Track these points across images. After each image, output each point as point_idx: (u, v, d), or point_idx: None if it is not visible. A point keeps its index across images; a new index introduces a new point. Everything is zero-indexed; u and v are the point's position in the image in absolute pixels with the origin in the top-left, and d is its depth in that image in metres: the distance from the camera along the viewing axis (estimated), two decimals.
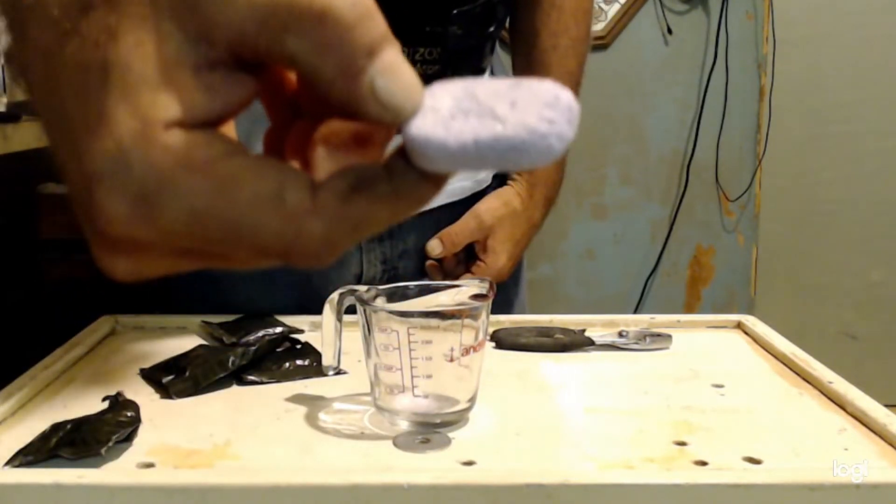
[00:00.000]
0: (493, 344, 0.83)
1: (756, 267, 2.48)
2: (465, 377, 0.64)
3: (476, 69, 0.99)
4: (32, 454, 0.58)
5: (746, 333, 0.87)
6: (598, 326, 0.87)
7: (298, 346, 0.80)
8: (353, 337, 0.70)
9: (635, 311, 2.41)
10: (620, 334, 0.83)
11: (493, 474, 0.55)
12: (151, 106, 0.30)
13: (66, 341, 0.81)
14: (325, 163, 0.34)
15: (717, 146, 2.37)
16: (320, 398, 0.70)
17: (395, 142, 0.34)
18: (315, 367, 0.75)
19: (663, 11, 2.33)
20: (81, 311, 0.92)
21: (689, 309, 2.46)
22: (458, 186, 0.97)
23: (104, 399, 0.67)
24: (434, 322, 0.63)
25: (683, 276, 2.45)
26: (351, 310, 0.67)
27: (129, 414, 0.63)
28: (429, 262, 0.97)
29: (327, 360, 0.69)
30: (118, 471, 0.57)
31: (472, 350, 0.63)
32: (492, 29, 0.98)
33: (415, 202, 0.33)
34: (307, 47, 0.30)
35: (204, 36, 0.30)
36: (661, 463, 0.58)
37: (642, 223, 2.43)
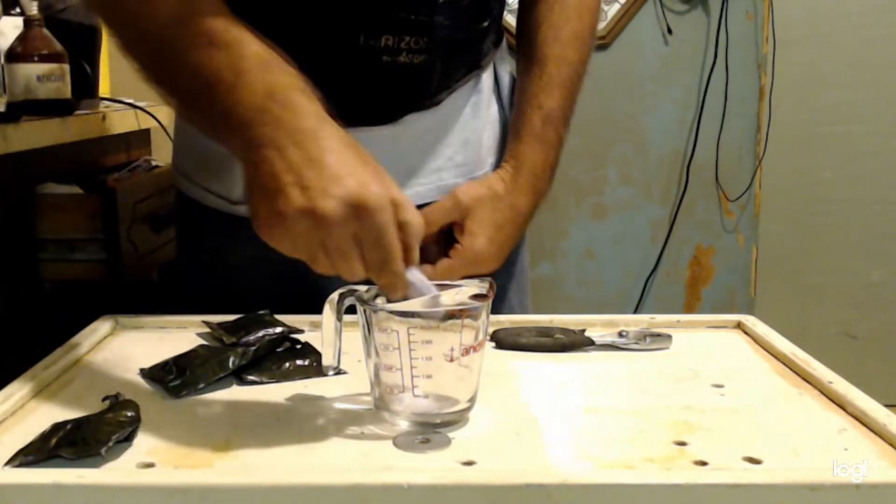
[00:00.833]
0: (493, 344, 0.83)
1: (756, 267, 2.48)
2: (465, 377, 0.64)
3: (472, 65, 0.98)
4: (33, 454, 0.58)
5: (746, 333, 0.87)
6: (598, 326, 0.87)
7: (298, 346, 0.80)
8: (353, 337, 0.70)
9: (635, 311, 2.41)
10: (620, 334, 0.83)
11: (493, 474, 0.55)
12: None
13: (66, 341, 0.81)
14: None
15: (717, 146, 2.37)
16: (320, 398, 0.70)
17: None
18: (315, 367, 0.75)
19: (663, 11, 2.33)
20: (81, 311, 0.92)
21: (689, 309, 2.45)
22: (451, 183, 0.97)
23: (104, 399, 0.67)
24: (434, 322, 0.63)
25: (683, 276, 2.45)
26: (351, 310, 0.67)
27: (129, 414, 0.63)
28: None
29: (327, 360, 0.69)
30: (118, 471, 0.57)
31: (472, 350, 0.63)
32: (486, 24, 0.97)
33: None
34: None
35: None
36: (661, 463, 0.58)
37: (642, 223, 2.42)
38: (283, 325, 0.85)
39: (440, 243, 0.94)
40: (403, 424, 0.64)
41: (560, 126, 0.97)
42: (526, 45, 1.00)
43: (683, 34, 2.35)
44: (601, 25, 2.31)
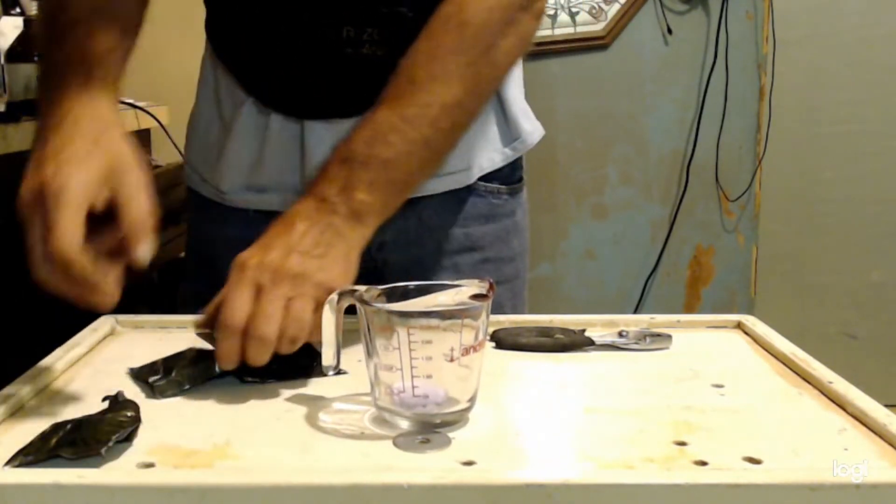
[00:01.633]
0: (494, 344, 0.83)
1: (756, 267, 2.48)
2: (466, 377, 0.64)
3: None
4: (33, 454, 0.58)
5: (746, 333, 0.87)
6: (598, 326, 0.87)
7: (298, 346, 0.79)
8: (353, 337, 0.70)
9: (635, 312, 2.41)
10: (620, 334, 0.83)
11: (493, 474, 0.55)
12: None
13: (66, 341, 0.81)
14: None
15: (717, 146, 2.37)
16: (320, 398, 0.70)
17: None
18: (315, 367, 0.75)
19: (663, 11, 2.33)
20: (81, 311, 0.92)
21: (689, 309, 2.45)
22: (435, 179, 0.96)
23: (104, 399, 0.67)
24: (434, 322, 0.63)
25: (683, 276, 2.45)
26: (351, 310, 0.67)
27: (129, 414, 0.63)
28: None
29: (327, 360, 0.69)
30: (118, 471, 0.57)
31: (472, 350, 0.63)
32: None
33: None
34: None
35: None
36: (661, 463, 0.58)
37: (642, 223, 2.42)
38: None
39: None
40: (403, 424, 0.64)
41: (392, 131, 0.81)
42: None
43: (683, 34, 2.35)
44: (601, 25, 2.31)
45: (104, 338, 0.85)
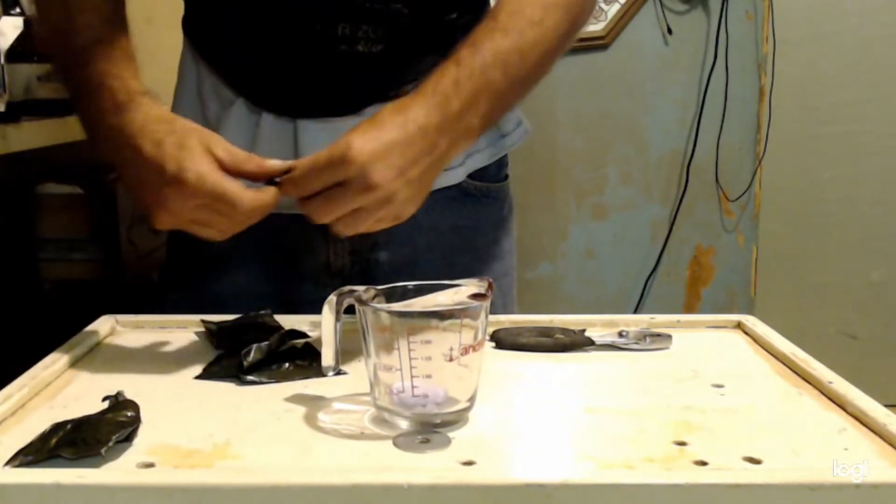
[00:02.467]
0: (493, 344, 0.83)
1: (756, 267, 2.47)
2: (465, 377, 0.64)
3: (439, 58, 0.97)
4: (33, 454, 0.58)
5: (746, 333, 0.87)
6: (598, 326, 0.87)
7: (298, 347, 0.80)
8: (352, 337, 0.70)
9: (635, 311, 2.41)
10: (620, 334, 0.83)
11: (493, 474, 0.55)
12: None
13: (65, 341, 0.81)
14: None
15: (717, 146, 2.37)
16: (320, 398, 0.70)
17: None
18: (315, 367, 0.75)
19: (663, 11, 2.33)
20: (81, 311, 0.92)
21: (689, 309, 2.45)
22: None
23: (104, 399, 0.67)
24: (433, 322, 0.63)
25: (683, 276, 2.45)
26: (350, 310, 0.67)
27: (129, 414, 0.63)
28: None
29: (327, 360, 0.69)
30: (118, 471, 0.57)
31: (471, 350, 0.63)
32: (454, 15, 0.95)
33: None
34: None
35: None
36: (661, 463, 0.58)
37: (642, 223, 2.42)
38: (279, 326, 0.84)
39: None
40: (403, 424, 0.64)
41: (490, 59, 0.82)
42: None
43: (683, 34, 2.35)
44: (601, 25, 2.31)
45: (104, 338, 0.85)
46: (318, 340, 0.70)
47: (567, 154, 2.35)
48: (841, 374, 0.72)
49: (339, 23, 0.89)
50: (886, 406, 0.65)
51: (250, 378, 0.74)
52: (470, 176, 1.00)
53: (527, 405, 0.70)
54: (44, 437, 0.60)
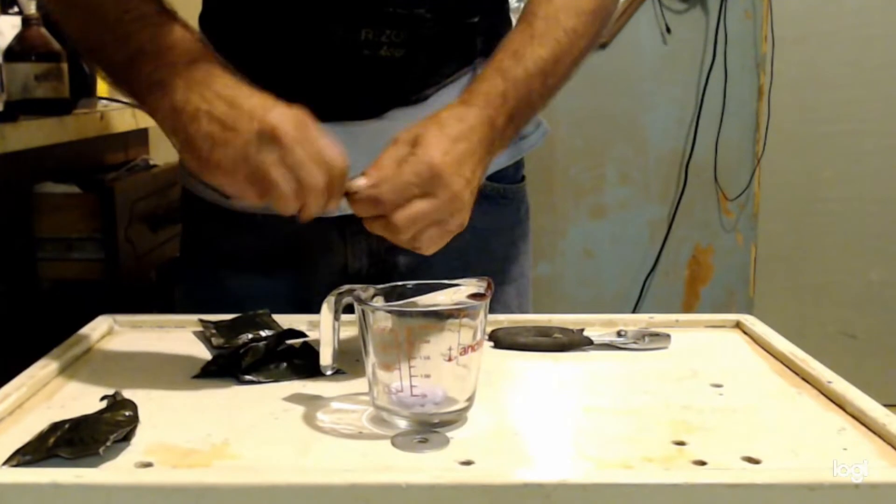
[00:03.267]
0: (492, 343, 0.83)
1: (755, 266, 2.48)
2: (464, 377, 0.64)
3: (463, 61, 0.97)
4: (31, 453, 0.58)
5: (745, 333, 0.87)
6: (596, 326, 0.87)
7: (297, 346, 0.80)
8: (351, 337, 0.70)
9: (634, 311, 2.41)
10: (619, 334, 0.83)
11: (492, 474, 0.55)
12: None
13: (64, 341, 0.81)
14: None
15: (715, 145, 2.37)
16: (318, 398, 0.70)
17: None
18: (313, 366, 0.75)
19: (662, 10, 2.33)
20: (79, 311, 0.92)
21: (687, 308, 2.45)
22: None
23: (102, 398, 0.67)
24: (432, 321, 0.62)
25: (682, 275, 2.45)
26: (349, 309, 0.66)
27: (126, 413, 0.63)
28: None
29: (325, 359, 0.69)
30: (116, 470, 0.57)
31: (470, 349, 0.63)
32: (476, 19, 0.96)
33: None
34: None
35: None
36: (660, 463, 0.58)
37: (641, 222, 2.42)
38: (277, 325, 0.84)
39: None
40: (402, 424, 0.64)
41: (536, 72, 0.84)
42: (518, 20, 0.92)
43: (682, 33, 2.35)
44: None
45: (102, 337, 0.85)
46: (317, 340, 0.70)
47: (565, 153, 2.35)
48: (840, 374, 0.72)
49: (363, 28, 0.89)
50: (886, 406, 0.65)
51: (248, 378, 0.74)
52: (488, 177, 1.00)
53: (525, 405, 0.70)
54: (42, 437, 0.60)
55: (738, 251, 2.45)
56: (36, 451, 0.58)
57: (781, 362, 0.79)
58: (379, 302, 0.65)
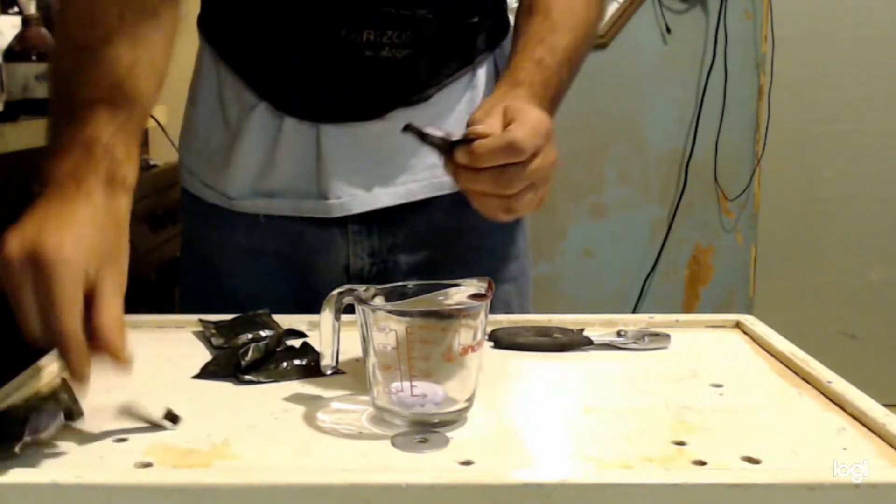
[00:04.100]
0: (492, 343, 0.83)
1: (755, 266, 2.48)
2: (464, 377, 0.64)
3: (464, 61, 0.97)
4: None
5: (745, 333, 0.87)
6: (596, 326, 0.87)
7: (297, 346, 0.80)
8: (351, 336, 0.70)
9: (634, 311, 2.41)
10: (619, 334, 0.83)
11: (492, 474, 0.55)
12: None
13: None
14: None
15: (715, 145, 2.37)
16: (318, 398, 0.70)
17: None
18: (313, 366, 0.75)
19: (662, 11, 2.33)
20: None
21: (687, 308, 2.45)
22: (447, 179, 0.96)
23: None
24: (432, 321, 0.62)
25: (682, 275, 2.45)
26: (349, 309, 0.66)
27: (51, 404, 0.59)
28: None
29: (326, 359, 0.69)
30: (116, 470, 0.57)
31: (470, 349, 0.63)
32: (476, 19, 0.96)
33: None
34: None
35: None
36: (660, 463, 0.58)
37: (641, 222, 2.43)
38: (277, 325, 0.84)
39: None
40: (402, 424, 0.64)
41: (563, 61, 0.87)
42: (524, 11, 0.93)
43: (682, 33, 2.35)
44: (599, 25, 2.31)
45: None
46: (316, 340, 0.70)
47: (566, 153, 2.35)
48: (840, 374, 0.72)
49: (365, 29, 0.90)
50: (886, 406, 0.65)
51: (248, 378, 0.74)
52: None
53: (525, 405, 0.70)
54: None
55: (738, 251, 2.46)
56: None
57: (781, 362, 0.79)
58: (379, 302, 0.65)
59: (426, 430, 0.63)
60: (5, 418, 0.60)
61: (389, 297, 0.66)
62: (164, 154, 2.01)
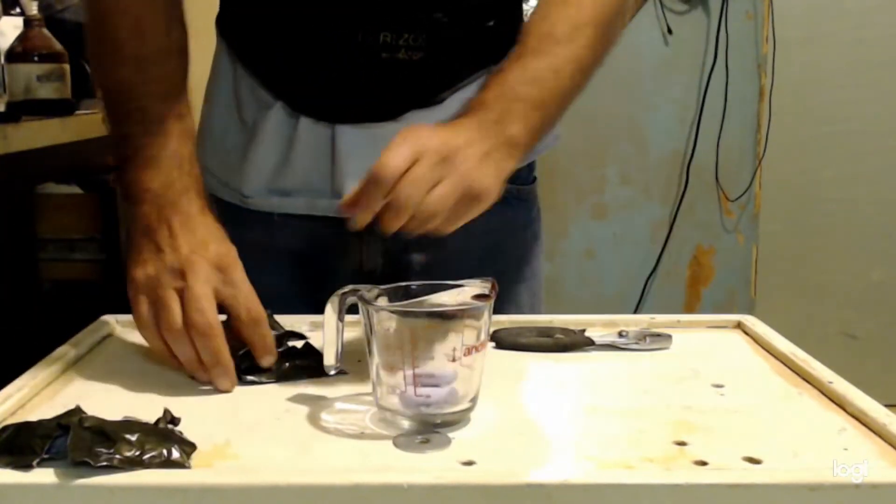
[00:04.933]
0: (494, 344, 0.83)
1: (756, 267, 2.48)
2: (467, 377, 0.64)
3: (479, 64, 0.98)
4: None
5: (746, 333, 0.87)
6: (598, 326, 0.87)
7: (298, 347, 0.80)
8: (354, 337, 0.70)
9: (635, 312, 2.41)
10: (620, 334, 0.83)
11: (493, 474, 0.55)
12: None
13: (65, 341, 0.81)
14: None
15: (717, 146, 2.37)
16: (321, 398, 0.70)
17: None
18: (314, 367, 0.75)
19: (663, 11, 2.33)
20: (81, 311, 0.92)
21: (689, 309, 2.45)
22: None
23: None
24: (436, 322, 0.63)
25: (683, 276, 2.45)
26: (353, 309, 0.67)
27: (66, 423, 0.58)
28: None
29: (329, 359, 0.69)
30: (116, 470, 0.57)
31: (473, 350, 0.63)
32: (492, 23, 0.97)
33: None
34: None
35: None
36: (661, 463, 0.58)
37: (642, 223, 2.42)
38: (279, 326, 0.84)
39: None
40: (405, 424, 0.64)
41: (520, 78, 0.87)
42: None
43: (683, 34, 2.35)
44: None
45: (104, 338, 0.85)
46: (317, 340, 0.70)
47: (567, 153, 2.35)
48: (841, 374, 0.72)
49: (382, 31, 0.90)
50: (886, 406, 0.65)
51: (250, 378, 0.74)
52: None
53: (527, 405, 0.70)
54: None
55: (740, 252, 2.45)
56: None
57: (782, 362, 0.79)
58: (383, 302, 0.66)
59: (428, 430, 0.63)
60: (30, 432, 0.59)
61: (393, 297, 0.67)
62: None
